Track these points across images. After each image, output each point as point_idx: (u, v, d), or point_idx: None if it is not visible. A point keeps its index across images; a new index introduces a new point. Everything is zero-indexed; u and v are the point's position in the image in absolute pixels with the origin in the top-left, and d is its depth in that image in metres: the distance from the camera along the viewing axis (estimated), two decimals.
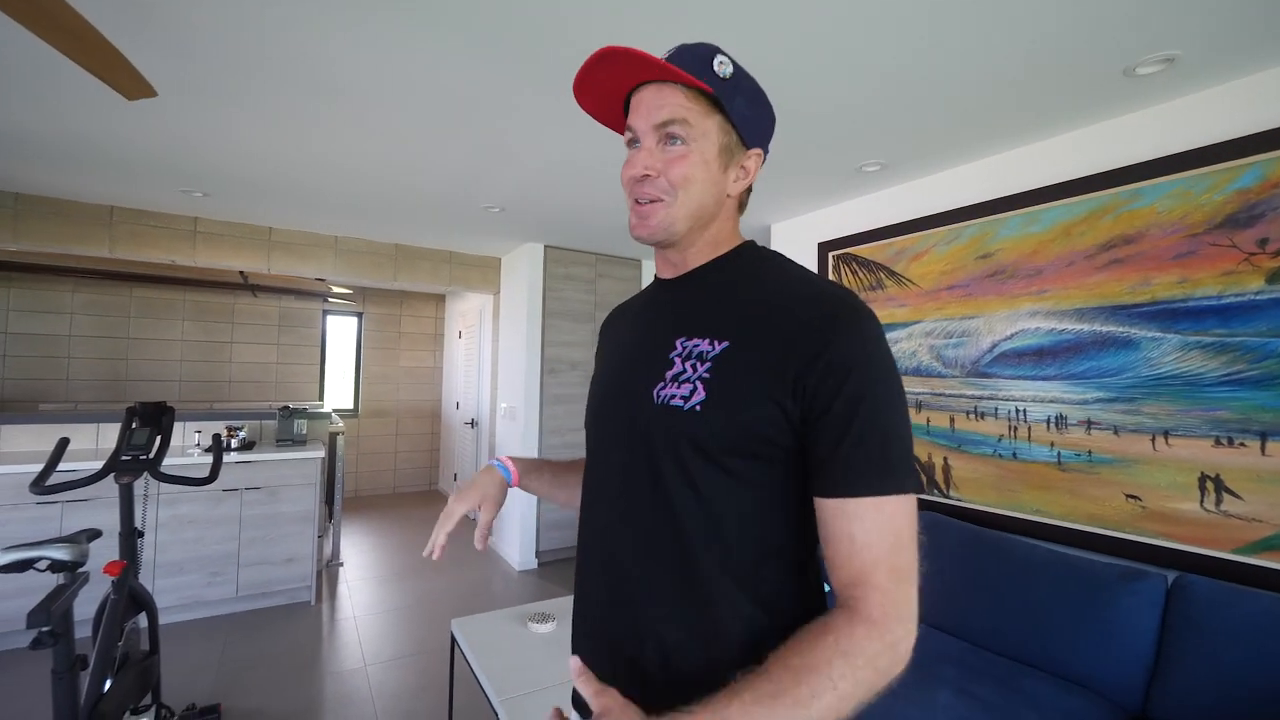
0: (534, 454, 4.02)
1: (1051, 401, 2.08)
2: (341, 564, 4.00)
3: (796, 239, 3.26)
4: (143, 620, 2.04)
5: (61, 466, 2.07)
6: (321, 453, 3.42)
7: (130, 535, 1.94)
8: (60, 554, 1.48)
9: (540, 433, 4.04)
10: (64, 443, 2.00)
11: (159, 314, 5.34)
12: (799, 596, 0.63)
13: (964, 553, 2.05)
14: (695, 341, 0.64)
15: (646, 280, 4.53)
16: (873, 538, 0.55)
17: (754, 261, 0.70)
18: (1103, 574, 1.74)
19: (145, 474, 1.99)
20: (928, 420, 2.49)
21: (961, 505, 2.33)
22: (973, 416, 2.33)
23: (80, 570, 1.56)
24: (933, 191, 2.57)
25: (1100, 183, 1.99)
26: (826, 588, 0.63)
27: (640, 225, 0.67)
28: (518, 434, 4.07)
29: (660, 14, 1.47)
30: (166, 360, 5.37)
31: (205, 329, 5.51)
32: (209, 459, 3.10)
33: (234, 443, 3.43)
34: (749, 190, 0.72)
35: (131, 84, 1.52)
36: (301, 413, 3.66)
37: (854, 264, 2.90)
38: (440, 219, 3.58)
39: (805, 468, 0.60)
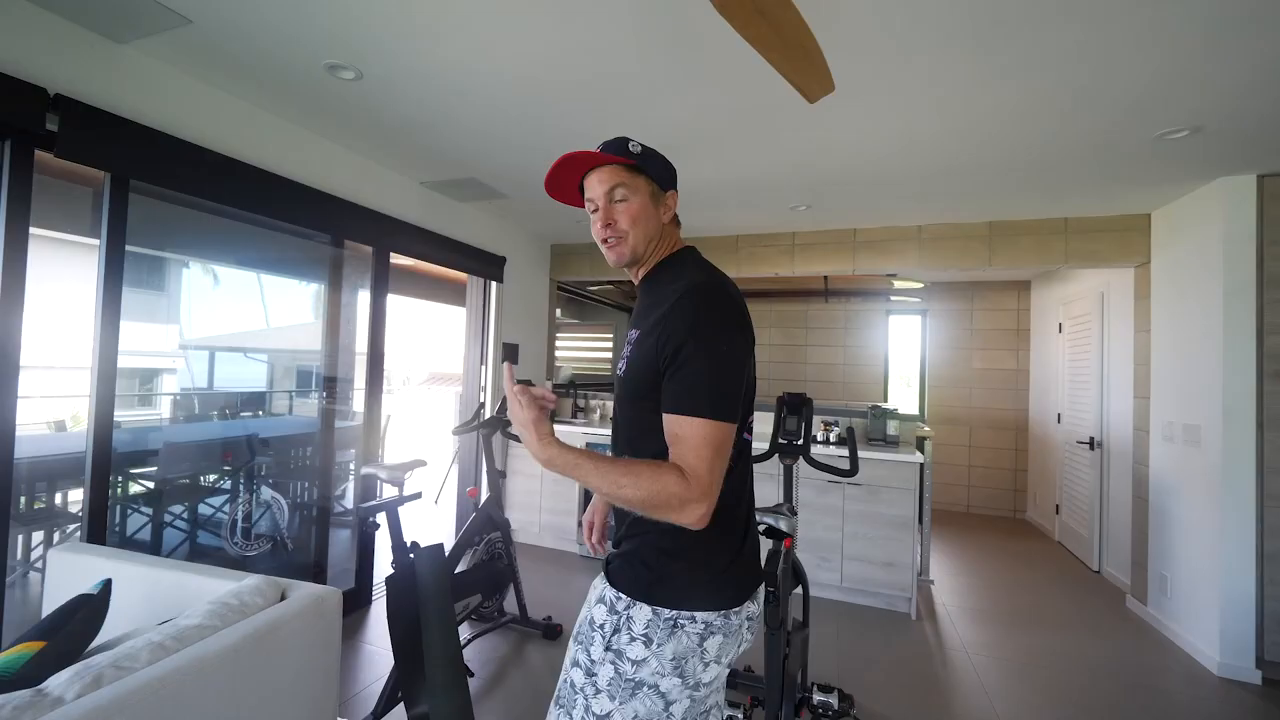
0: (1250, 503, 2.59)
1: None
2: (932, 582, 3.66)
3: None
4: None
5: None
6: (922, 458, 3.16)
7: (791, 514, 2.09)
8: (779, 524, 1.63)
9: (1259, 470, 2.58)
10: None
11: (753, 323, 6.47)
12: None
13: None
14: (633, 332, 1.04)
15: None
16: (681, 438, 0.87)
17: (674, 265, 1.06)
18: None
19: (799, 458, 2.12)
20: None
21: None
22: None
23: (780, 539, 1.70)
24: None
25: None
26: None
27: (612, 258, 1.05)
28: (1200, 466, 2.74)
29: None
30: (758, 362, 6.44)
31: (785, 334, 6.34)
32: (818, 451, 3.37)
33: (831, 437, 3.60)
34: (675, 216, 1.09)
35: (819, 81, 1.52)
36: (893, 413, 3.53)
37: None
38: (1060, 174, 2.75)
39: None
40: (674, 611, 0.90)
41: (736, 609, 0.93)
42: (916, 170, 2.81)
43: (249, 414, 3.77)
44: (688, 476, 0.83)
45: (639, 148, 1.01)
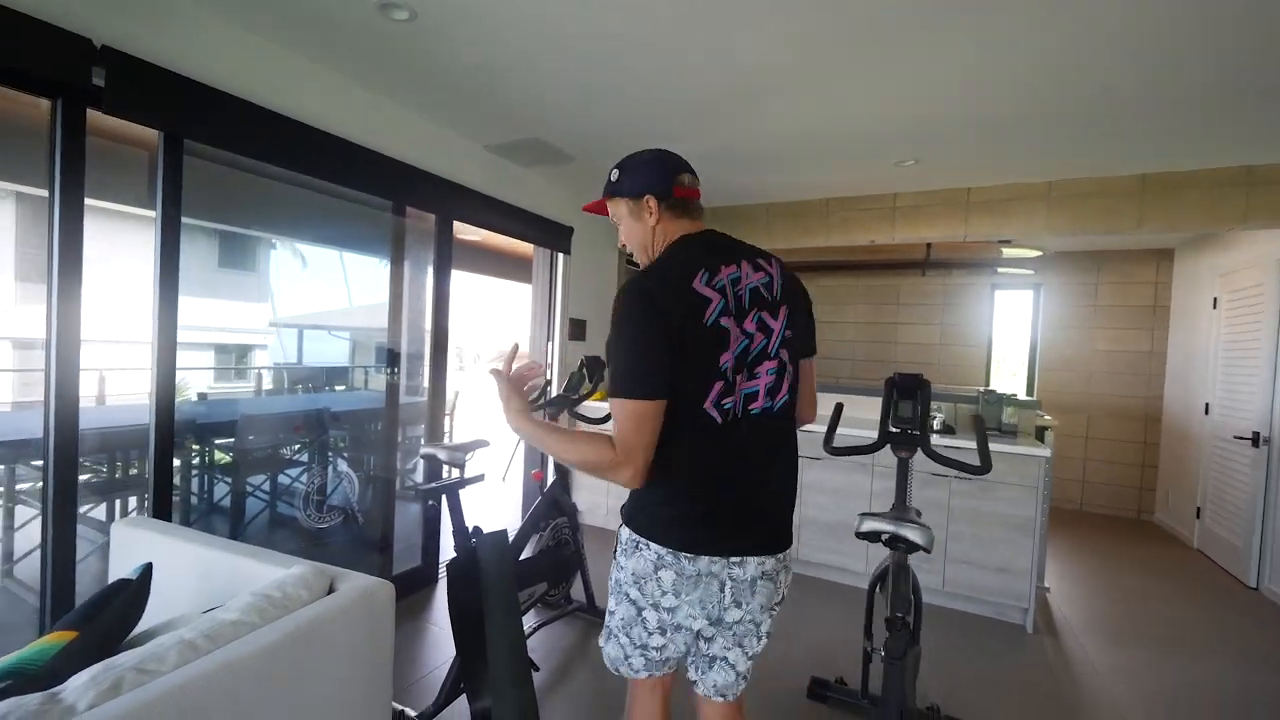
0: None
1: None
2: (1048, 589, 3.21)
3: None
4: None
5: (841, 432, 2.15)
6: (1047, 451, 2.72)
7: (919, 520, 1.77)
8: (912, 535, 1.34)
9: None
10: (840, 408, 2.05)
11: (838, 299, 5.97)
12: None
13: None
14: None
15: None
16: (613, 416, 1.03)
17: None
18: None
19: (917, 450, 1.79)
20: None
21: None
22: None
23: (913, 553, 1.40)
24: None
25: None
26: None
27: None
28: None
29: None
30: (841, 341, 5.96)
31: (873, 311, 5.82)
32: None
33: (935, 425, 3.19)
34: (677, 206, 1.18)
35: None
36: (1009, 399, 3.07)
37: None
38: (1248, 106, 2.18)
39: None
40: (637, 536, 1.12)
41: (690, 555, 1.07)
42: (1065, 104, 2.29)
43: (327, 388, 3.80)
44: (615, 445, 1.01)
45: (616, 174, 1.21)
